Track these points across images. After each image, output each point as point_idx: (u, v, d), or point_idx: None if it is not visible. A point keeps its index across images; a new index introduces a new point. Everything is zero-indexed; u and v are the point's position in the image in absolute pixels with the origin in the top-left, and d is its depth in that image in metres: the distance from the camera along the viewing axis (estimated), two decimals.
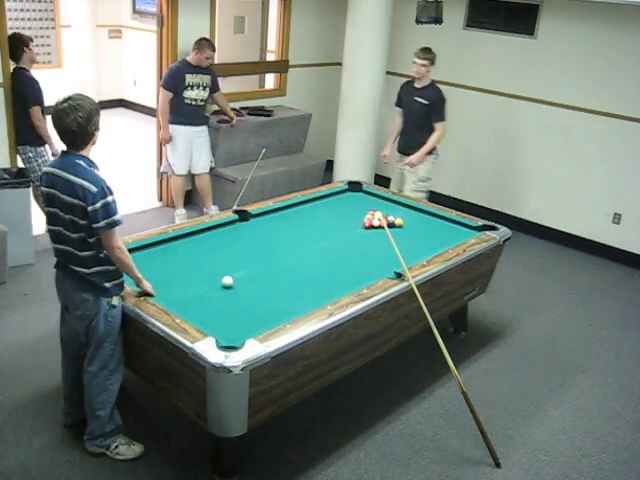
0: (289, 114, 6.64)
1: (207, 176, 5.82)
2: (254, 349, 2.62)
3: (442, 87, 6.54)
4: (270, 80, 7.22)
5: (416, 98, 5.20)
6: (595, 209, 5.89)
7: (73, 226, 2.74)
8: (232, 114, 5.86)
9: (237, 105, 6.44)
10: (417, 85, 5.25)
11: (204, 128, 5.70)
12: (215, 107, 6.17)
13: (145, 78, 9.16)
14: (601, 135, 5.72)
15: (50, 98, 10.06)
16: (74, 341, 3.06)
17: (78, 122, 2.70)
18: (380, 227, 4.04)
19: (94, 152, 2.88)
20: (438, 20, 5.62)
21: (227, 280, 3.27)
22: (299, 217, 4.31)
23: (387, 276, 3.38)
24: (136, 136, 8.60)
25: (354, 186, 4.92)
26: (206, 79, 5.53)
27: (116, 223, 2.73)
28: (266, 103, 6.77)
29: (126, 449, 3.08)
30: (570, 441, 3.47)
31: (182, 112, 5.50)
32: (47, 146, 5.00)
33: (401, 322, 3.53)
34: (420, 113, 5.19)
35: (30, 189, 4.81)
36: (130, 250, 3.50)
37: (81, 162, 2.75)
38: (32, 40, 5.02)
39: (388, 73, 6.52)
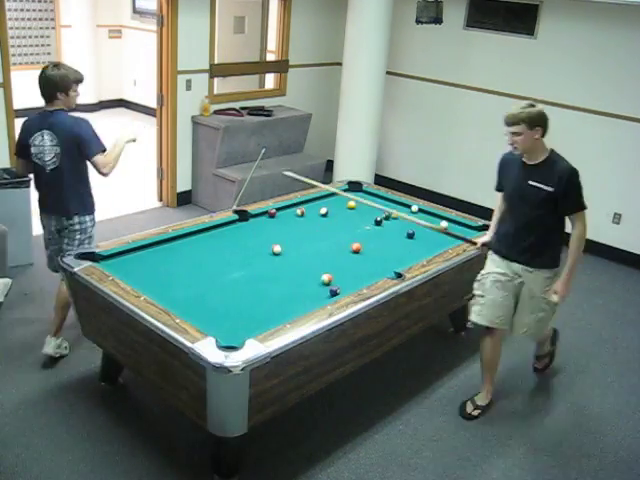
0: (289, 114, 6.64)
1: None
2: (254, 349, 2.62)
3: (442, 87, 6.63)
4: (270, 80, 7.22)
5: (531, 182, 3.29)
6: (595, 209, 5.85)
7: None
8: None
9: (237, 105, 6.45)
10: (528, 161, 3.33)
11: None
12: (214, 106, 6.19)
13: (145, 78, 9.16)
14: (601, 135, 5.72)
15: None
16: None
17: None
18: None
19: None
20: (438, 20, 5.63)
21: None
22: (299, 217, 4.31)
23: (387, 276, 3.38)
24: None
25: (354, 186, 4.92)
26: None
27: None
28: (266, 103, 6.77)
29: None
30: (570, 441, 3.47)
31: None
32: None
33: (401, 322, 3.52)
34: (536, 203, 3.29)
35: (30, 189, 4.80)
36: (130, 250, 3.53)
37: None
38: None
39: (388, 73, 6.52)
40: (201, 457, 3.08)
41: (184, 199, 6.34)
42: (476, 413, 3.58)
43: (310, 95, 7.21)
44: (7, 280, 4.22)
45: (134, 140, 3.85)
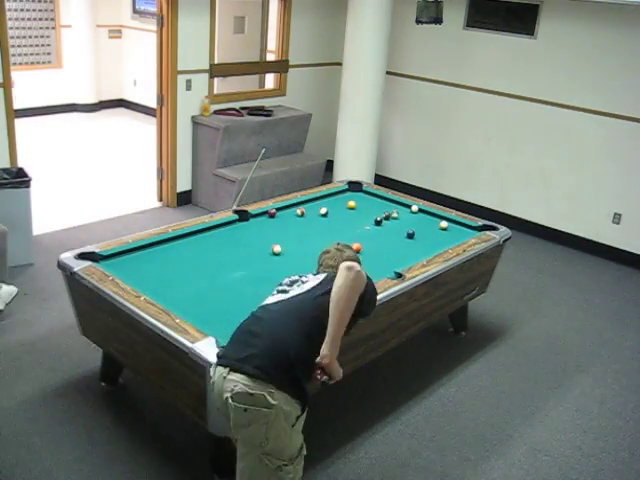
0: (289, 114, 6.63)
1: None
2: None
3: (442, 87, 6.63)
4: (270, 80, 7.22)
5: None
6: (595, 209, 5.89)
7: None
8: None
9: (237, 105, 6.45)
10: None
11: None
12: (214, 106, 6.20)
13: (145, 78, 9.16)
14: (601, 135, 5.72)
15: (50, 98, 10.07)
16: None
17: None
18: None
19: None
20: (438, 20, 5.62)
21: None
22: (299, 217, 4.31)
23: (387, 276, 3.38)
24: (136, 136, 8.60)
25: (354, 186, 4.92)
26: None
27: None
28: (266, 103, 6.77)
29: None
30: (570, 441, 3.47)
31: None
32: None
33: (401, 322, 3.52)
34: None
35: (29, 189, 4.81)
36: (130, 250, 3.52)
37: None
38: None
39: (388, 73, 6.53)
40: (201, 457, 3.08)
41: (184, 199, 6.34)
42: None
43: (310, 95, 7.21)
44: (13, 289, 4.21)
45: None
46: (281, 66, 6.88)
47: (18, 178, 4.78)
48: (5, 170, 4.86)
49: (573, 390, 3.93)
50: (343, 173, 6.24)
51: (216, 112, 6.24)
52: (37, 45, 9.06)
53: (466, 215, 4.50)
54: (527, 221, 6.28)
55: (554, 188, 6.09)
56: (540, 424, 3.58)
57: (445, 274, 3.64)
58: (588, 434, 3.54)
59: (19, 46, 8.81)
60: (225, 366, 2.21)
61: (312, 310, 2.28)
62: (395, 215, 4.39)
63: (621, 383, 4.04)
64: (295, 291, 2.43)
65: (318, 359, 2.21)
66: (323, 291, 2.33)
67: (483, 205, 6.50)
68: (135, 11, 9.39)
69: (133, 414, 3.41)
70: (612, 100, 5.59)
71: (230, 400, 2.14)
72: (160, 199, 6.37)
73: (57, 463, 3.02)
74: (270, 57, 7.24)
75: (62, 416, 3.31)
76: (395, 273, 3.42)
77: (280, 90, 6.96)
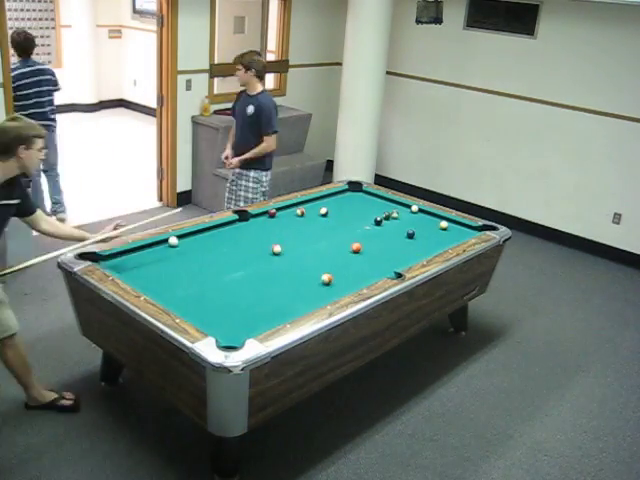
0: (289, 114, 6.63)
1: None
2: (254, 349, 2.62)
3: (442, 87, 6.63)
4: (270, 80, 7.21)
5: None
6: (595, 209, 5.89)
7: None
8: None
9: None
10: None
11: None
12: (214, 106, 6.19)
13: (145, 78, 9.16)
14: (601, 135, 5.72)
15: None
16: None
17: None
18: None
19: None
20: (438, 20, 5.62)
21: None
22: (299, 217, 4.30)
23: (387, 276, 3.38)
24: (136, 136, 8.60)
25: (354, 186, 4.92)
26: None
27: None
28: None
29: None
30: (570, 441, 3.47)
31: None
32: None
33: (401, 322, 3.52)
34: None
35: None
36: (130, 250, 3.52)
37: None
38: None
39: (388, 73, 6.52)
40: (201, 457, 3.08)
41: (184, 199, 6.33)
42: None
43: (310, 95, 7.21)
44: None
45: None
46: (281, 66, 6.88)
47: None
48: None
49: (573, 390, 3.93)
50: (343, 173, 6.24)
51: (216, 112, 6.24)
52: (37, 45, 9.03)
53: (466, 215, 4.50)
54: (527, 221, 6.28)
55: (554, 188, 6.09)
56: (540, 424, 3.58)
57: (445, 274, 3.64)
58: (588, 434, 3.54)
59: None
60: None
61: None
62: (395, 215, 4.39)
63: (621, 383, 4.04)
64: None
65: None
66: None
67: (483, 205, 6.50)
68: (135, 11, 9.39)
69: (133, 414, 3.41)
70: (612, 100, 5.59)
71: None
72: (160, 199, 6.37)
73: (57, 463, 3.02)
74: (270, 57, 7.24)
75: (62, 416, 3.31)
76: (395, 273, 3.42)
77: (280, 90, 6.96)
